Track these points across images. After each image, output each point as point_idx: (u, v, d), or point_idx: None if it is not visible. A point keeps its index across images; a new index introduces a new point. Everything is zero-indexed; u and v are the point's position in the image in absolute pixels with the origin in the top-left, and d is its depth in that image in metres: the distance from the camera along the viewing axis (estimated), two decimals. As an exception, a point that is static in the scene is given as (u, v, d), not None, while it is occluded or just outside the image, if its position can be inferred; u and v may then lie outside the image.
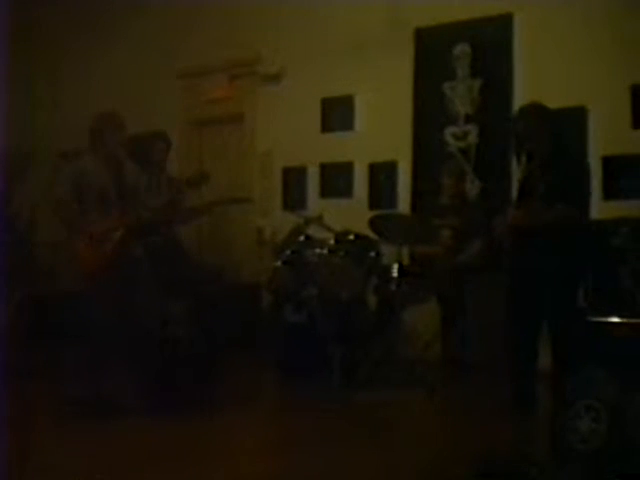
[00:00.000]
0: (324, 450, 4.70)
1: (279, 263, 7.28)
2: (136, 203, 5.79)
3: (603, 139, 7.04)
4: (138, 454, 4.51)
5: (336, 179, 8.70)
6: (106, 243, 5.67)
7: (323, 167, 8.82)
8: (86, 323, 5.63)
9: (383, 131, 8.34)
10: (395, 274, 6.62)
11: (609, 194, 6.93)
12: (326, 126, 8.83)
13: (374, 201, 8.41)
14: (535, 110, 5.56)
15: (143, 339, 5.62)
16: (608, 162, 6.97)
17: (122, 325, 5.59)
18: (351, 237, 6.99)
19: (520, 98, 7.10)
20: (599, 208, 6.36)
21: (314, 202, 8.81)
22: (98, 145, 5.86)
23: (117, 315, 5.58)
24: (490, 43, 7.76)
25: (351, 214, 7.97)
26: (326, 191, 8.80)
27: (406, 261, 7.12)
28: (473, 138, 7.80)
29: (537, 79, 7.32)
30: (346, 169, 8.64)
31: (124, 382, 5.58)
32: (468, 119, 7.87)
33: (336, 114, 8.75)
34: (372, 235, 7.04)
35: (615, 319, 5.22)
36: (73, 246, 5.76)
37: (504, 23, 7.64)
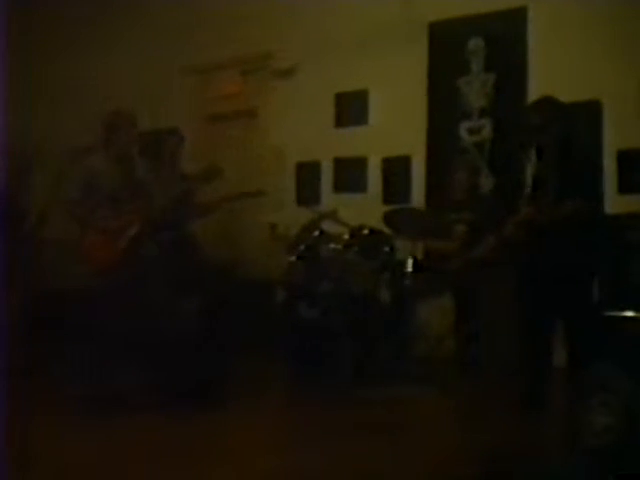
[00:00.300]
0: (333, 445, 4.70)
1: (293, 258, 7.28)
2: (148, 200, 5.78)
3: (618, 133, 7.01)
4: (151, 450, 4.52)
5: (350, 174, 8.69)
6: (120, 240, 5.67)
7: (337, 162, 8.81)
8: (98, 320, 5.63)
9: (397, 126, 8.33)
10: (409, 269, 6.62)
11: (624, 188, 6.91)
12: (340, 121, 8.83)
13: (388, 196, 8.40)
14: (548, 103, 5.53)
15: (156, 335, 5.61)
16: (623, 156, 6.95)
17: (135, 322, 5.58)
18: (365, 232, 7.01)
19: (534, 92, 7.05)
20: (614, 202, 6.33)
21: (328, 197, 8.81)
22: (110, 143, 5.86)
23: (130, 312, 5.58)
24: (504, 37, 7.74)
25: (365, 209, 7.97)
26: (340, 186, 8.80)
27: (420, 256, 7.11)
28: (487, 132, 7.79)
29: (551, 73, 7.29)
30: (360, 164, 8.63)
31: (136, 379, 5.58)
32: (482, 113, 7.85)
33: (350, 109, 8.74)
34: (386, 230, 7.04)
35: (630, 314, 5.19)
36: (86, 244, 5.77)
37: (518, 17, 7.62)
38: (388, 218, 6.94)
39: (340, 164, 8.78)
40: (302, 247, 7.26)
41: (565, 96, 5.69)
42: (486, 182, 7.67)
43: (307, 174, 9.03)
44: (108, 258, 5.67)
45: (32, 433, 4.65)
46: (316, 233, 7.25)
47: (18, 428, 4.52)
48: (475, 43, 7.87)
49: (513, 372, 5.74)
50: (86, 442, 4.68)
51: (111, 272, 5.67)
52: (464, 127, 7.96)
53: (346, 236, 7.01)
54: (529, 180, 5.37)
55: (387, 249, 6.96)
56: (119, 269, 5.66)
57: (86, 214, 5.73)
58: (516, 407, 5.40)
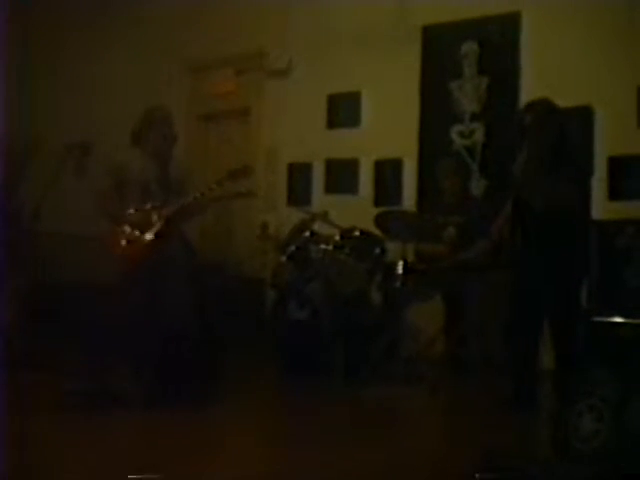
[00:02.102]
0: (323, 444, 4.70)
1: (284, 258, 7.29)
2: (179, 197, 5.75)
3: (609, 139, 7.04)
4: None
5: (341, 175, 8.71)
6: (146, 235, 5.66)
7: (329, 163, 8.83)
8: (98, 315, 5.65)
9: (389, 128, 8.35)
10: (400, 271, 6.63)
11: (614, 194, 6.93)
12: (332, 122, 8.85)
13: (379, 198, 8.42)
14: (543, 105, 5.56)
15: (153, 333, 5.62)
16: (614, 162, 6.97)
17: (138, 317, 5.59)
18: (356, 233, 7.03)
19: (527, 97, 7.07)
20: (604, 208, 6.36)
21: (319, 198, 8.83)
22: (146, 139, 5.85)
23: (137, 308, 5.58)
24: (498, 41, 7.77)
25: (356, 211, 7.99)
26: (331, 187, 8.81)
27: (411, 258, 7.12)
28: (479, 136, 7.81)
29: (544, 78, 7.31)
30: (352, 166, 8.65)
31: (130, 375, 5.59)
32: (474, 117, 7.87)
33: (342, 110, 8.76)
34: (377, 232, 7.05)
35: (619, 319, 5.22)
36: (111, 237, 5.76)
37: (512, 21, 7.66)
38: (379, 220, 6.95)
39: (332, 165, 8.79)
40: (293, 247, 7.27)
41: (557, 101, 5.71)
42: (477, 186, 7.70)
43: (299, 175, 9.05)
44: (134, 252, 5.65)
45: (28, 428, 4.66)
46: (307, 234, 7.27)
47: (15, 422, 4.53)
48: (468, 47, 7.89)
49: (501, 374, 5.77)
50: (81, 438, 4.68)
51: (135, 266, 5.66)
52: (456, 130, 7.98)
53: (337, 237, 7.03)
54: (519, 180, 5.39)
55: (378, 251, 6.98)
56: (143, 263, 5.65)
57: (115, 208, 5.72)
58: (504, 409, 5.43)
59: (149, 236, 5.66)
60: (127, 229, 5.65)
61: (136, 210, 5.67)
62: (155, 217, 5.68)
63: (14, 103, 8.18)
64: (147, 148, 5.87)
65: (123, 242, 5.67)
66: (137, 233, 5.65)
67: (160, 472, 3.88)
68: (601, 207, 6.38)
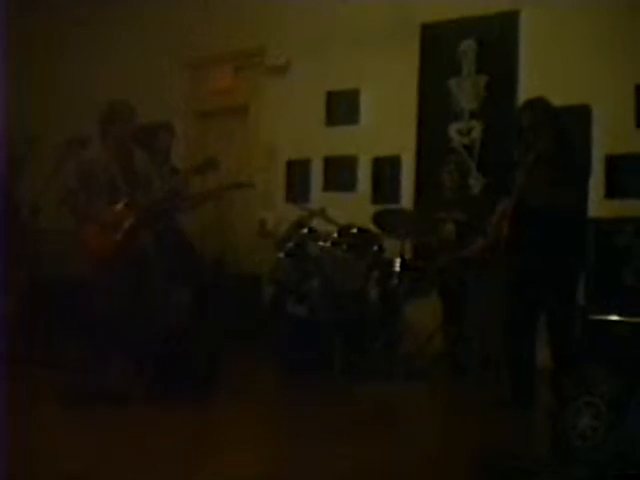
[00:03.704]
0: (321, 441, 4.71)
1: (282, 255, 7.31)
2: (146, 191, 5.77)
3: (607, 138, 7.06)
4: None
5: (340, 173, 8.72)
6: (116, 232, 5.67)
7: (327, 160, 8.84)
8: (90, 310, 5.65)
9: (388, 126, 8.36)
10: (397, 268, 6.66)
11: (611, 193, 6.96)
12: (331, 119, 8.86)
13: (377, 195, 8.44)
14: (540, 104, 5.59)
15: (148, 328, 5.63)
16: (611, 161, 7.00)
17: (128, 313, 5.60)
18: (354, 231, 7.05)
19: (525, 95, 7.08)
20: (601, 206, 6.38)
21: (317, 195, 8.83)
22: (108, 134, 5.86)
23: (123, 303, 5.59)
24: (496, 40, 7.78)
25: (354, 208, 8.00)
26: (330, 184, 8.83)
27: (408, 255, 7.14)
28: (477, 134, 7.82)
29: (542, 76, 7.33)
30: (350, 163, 8.66)
31: (129, 371, 5.60)
32: (473, 115, 7.89)
33: (341, 108, 8.77)
34: (375, 229, 7.07)
35: (616, 317, 5.24)
36: (82, 234, 5.77)
37: (510, 20, 7.66)
38: (377, 217, 6.97)
39: (330, 163, 8.80)
40: (291, 244, 7.29)
41: (555, 100, 5.74)
42: (475, 183, 7.71)
43: (297, 172, 9.06)
44: (104, 249, 5.67)
45: (25, 422, 4.68)
46: (305, 231, 7.28)
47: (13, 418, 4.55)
48: (467, 45, 7.90)
49: (499, 372, 5.79)
50: (77, 433, 4.70)
51: (107, 263, 5.67)
52: (454, 128, 7.99)
53: (335, 234, 7.05)
54: (520, 179, 5.41)
55: (376, 248, 7.00)
56: (115, 260, 5.66)
57: (83, 205, 5.73)
58: (502, 407, 5.45)
59: (119, 233, 5.68)
60: (95, 226, 5.67)
61: (104, 206, 5.69)
62: (126, 214, 5.70)
63: (14, 101, 8.20)
64: (110, 143, 5.88)
65: (91, 238, 5.69)
66: (105, 229, 5.66)
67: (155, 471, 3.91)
68: (598, 205, 6.41)
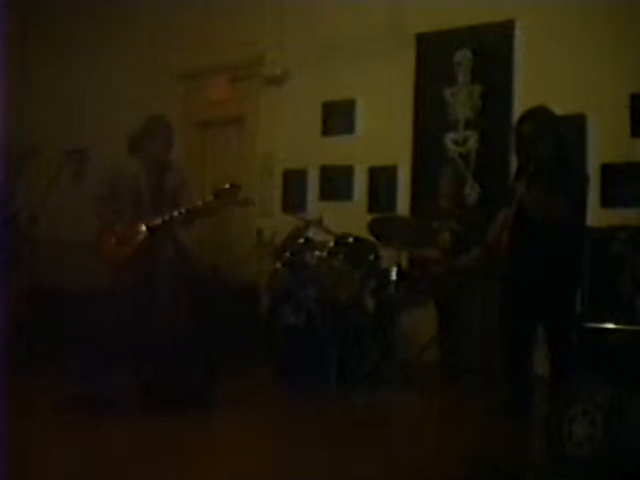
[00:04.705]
0: (316, 448, 4.73)
1: (278, 265, 7.33)
2: (173, 209, 5.75)
3: (602, 147, 7.08)
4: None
5: (336, 182, 8.75)
6: (129, 245, 5.68)
7: (323, 170, 8.87)
8: (93, 321, 5.67)
9: (384, 135, 8.39)
10: (394, 277, 6.67)
11: (607, 202, 6.98)
12: (327, 129, 8.90)
13: (373, 205, 8.46)
14: (543, 113, 5.61)
15: (149, 338, 5.65)
16: (606, 170, 7.02)
17: (130, 323, 5.61)
18: (350, 240, 7.06)
19: (520, 105, 7.12)
20: (597, 215, 6.40)
21: (314, 205, 8.86)
22: (141, 147, 5.87)
23: (126, 313, 5.61)
24: (491, 49, 7.81)
25: (350, 217, 8.02)
26: (326, 194, 8.86)
27: (405, 264, 7.16)
28: (473, 144, 7.84)
29: (537, 86, 7.36)
30: (346, 172, 8.69)
31: (131, 380, 5.61)
32: (468, 125, 7.91)
33: (337, 118, 8.82)
34: (371, 238, 7.09)
35: (612, 326, 5.25)
36: (100, 242, 5.79)
37: (505, 30, 7.70)
38: (373, 226, 6.99)
39: (327, 172, 8.83)
40: (287, 254, 7.31)
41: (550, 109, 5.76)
42: (471, 192, 7.73)
43: (294, 181, 9.08)
44: (116, 260, 5.69)
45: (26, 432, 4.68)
46: (302, 240, 7.30)
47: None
48: (462, 55, 7.93)
49: (496, 380, 5.80)
50: (78, 442, 4.70)
51: (120, 274, 5.69)
52: (450, 138, 8.01)
53: (331, 244, 7.06)
54: (520, 189, 5.42)
55: (372, 257, 7.02)
56: (128, 271, 5.68)
57: (107, 213, 5.76)
58: (497, 415, 5.46)
59: (131, 246, 5.69)
60: (114, 237, 5.69)
61: (128, 219, 5.71)
62: (142, 228, 5.71)
63: (13, 107, 8.22)
64: (143, 157, 5.89)
65: (110, 248, 5.70)
66: (121, 242, 5.68)
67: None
68: (594, 214, 6.42)
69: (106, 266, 5.79)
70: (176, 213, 5.69)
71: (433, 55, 8.20)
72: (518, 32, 7.64)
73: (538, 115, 5.58)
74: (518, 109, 6.94)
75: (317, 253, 7.02)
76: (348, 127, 8.74)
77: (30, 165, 7.40)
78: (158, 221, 5.70)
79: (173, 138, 6.00)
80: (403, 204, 8.30)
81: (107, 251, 5.73)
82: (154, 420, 5.16)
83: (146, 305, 5.73)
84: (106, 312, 5.63)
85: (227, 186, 5.81)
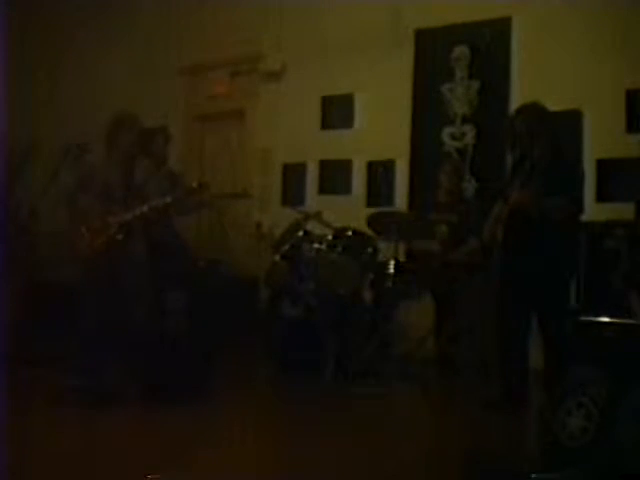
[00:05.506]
0: (315, 441, 4.76)
1: (277, 257, 7.37)
2: (142, 201, 5.80)
3: (597, 142, 7.13)
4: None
5: (335, 176, 8.81)
6: (104, 236, 5.71)
7: (322, 164, 8.92)
8: (82, 313, 5.70)
9: (382, 130, 8.44)
10: (391, 270, 6.71)
11: (602, 196, 7.03)
12: (326, 124, 8.95)
13: (372, 198, 8.51)
14: (535, 109, 5.66)
15: (141, 331, 5.69)
16: (602, 165, 7.07)
17: (120, 317, 5.66)
18: (349, 233, 7.09)
19: (517, 100, 7.16)
20: (592, 210, 6.46)
21: (313, 198, 8.91)
22: (112, 143, 5.93)
23: (115, 307, 5.65)
24: (488, 46, 7.87)
25: (349, 211, 8.08)
26: (325, 188, 8.91)
27: (402, 258, 7.20)
28: (470, 139, 7.90)
29: (534, 82, 7.41)
30: (345, 166, 8.74)
31: (121, 373, 5.65)
32: (465, 120, 7.97)
33: (336, 112, 8.86)
34: (369, 232, 7.13)
35: (606, 319, 5.32)
36: (73, 236, 5.82)
37: (503, 26, 7.75)
38: (371, 220, 7.03)
39: (325, 166, 8.89)
40: (286, 247, 7.35)
41: (546, 105, 5.81)
42: (468, 187, 7.79)
43: (293, 175, 9.14)
44: (90, 252, 5.71)
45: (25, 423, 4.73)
46: (300, 233, 7.34)
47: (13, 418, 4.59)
48: (460, 51, 7.98)
49: (491, 373, 5.85)
50: (74, 433, 4.75)
51: (94, 267, 5.73)
52: (447, 133, 8.07)
53: (330, 237, 7.10)
54: (516, 184, 5.48)
55: (370, 250, 7.06)
56: (102, 265, 5.71)
57: (78, 207, 5.78)
58: (494, 407, 5.51)
59: (104, 238, 5.72)
60: (87, 229, 5.73)
61: (99, 213, 5.75)
62: (115, 221, 5.74)
63: (14, 103, 8.25)
64: (114, 153, 5.95)
65: (80, 241, 5.74)
66: (94, 234, 5.71)
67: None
68: (589, 209, 6.47)
69: (76, 259, 5.82)
70: (145, 208, 5.76)
71: (431, 51, 8.25)
72: (515, 29, 7.68)
73: (531, 111, 5.62)
74: (515, 104, 6.96)
75: (316, 246, 7.04)
76: (347, 121, 8.79)
77: (32, 161, 7.43)
78: (128, 216, 5.75)
79: (138, 132, 6.04)
80: (401, 197, 8.35)
81: (77, 245, 5.76)
82: (149, 413, 5.21)
83: (134, 298, 5.77)
84: (92, 304, 5.67)
85: (195, 185, 5.97)
